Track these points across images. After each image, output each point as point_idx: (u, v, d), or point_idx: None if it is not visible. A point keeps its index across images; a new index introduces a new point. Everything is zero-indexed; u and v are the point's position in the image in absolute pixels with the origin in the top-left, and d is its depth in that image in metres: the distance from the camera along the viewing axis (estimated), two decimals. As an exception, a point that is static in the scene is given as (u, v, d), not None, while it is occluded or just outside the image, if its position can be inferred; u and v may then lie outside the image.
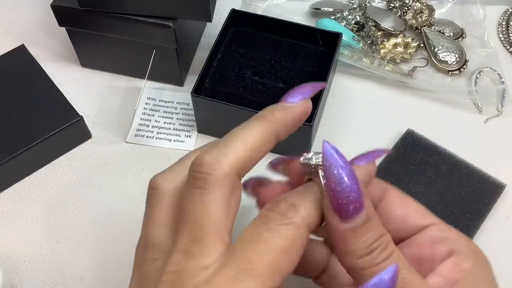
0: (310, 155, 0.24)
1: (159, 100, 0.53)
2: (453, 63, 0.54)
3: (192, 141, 0.50)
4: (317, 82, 0.28)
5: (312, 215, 0.24)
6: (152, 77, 0.53)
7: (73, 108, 0.48)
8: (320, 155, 0.24)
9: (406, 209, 0.28)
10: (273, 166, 0.27)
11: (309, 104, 0.27)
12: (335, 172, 0.22)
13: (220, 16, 0.60)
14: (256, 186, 0.29)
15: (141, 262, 0.26)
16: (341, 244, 0.23)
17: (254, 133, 0.25)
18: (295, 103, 0.26)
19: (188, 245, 0.23)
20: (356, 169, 0.25)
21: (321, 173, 0.23)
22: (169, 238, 0.25)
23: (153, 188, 0.27)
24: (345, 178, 0.22)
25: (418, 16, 0.58)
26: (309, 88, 0.27)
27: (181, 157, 0.28)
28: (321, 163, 0.23)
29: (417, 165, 0.47)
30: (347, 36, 0.54)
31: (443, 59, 0.55)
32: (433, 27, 0.58)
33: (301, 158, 0.24)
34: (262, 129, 0.25)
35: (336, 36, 0.50)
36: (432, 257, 0.26)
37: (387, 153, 0.28)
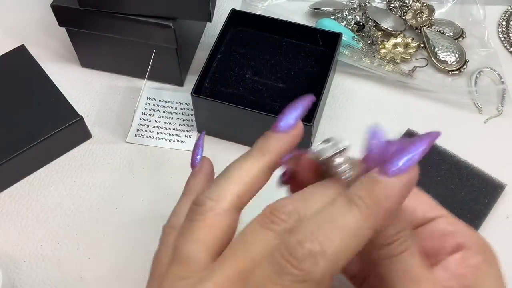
0: (320, 147, 0.25)
1: (159, 100, 0.53)
2: (453, 63, 0.54)
3: (192, 141, 0.50)
4: (305, 97, 0.27)
5: (338, 263, 0.20)
6: (152, 77, 0.53)
7: (73, 108, 0.48)
8: (330, 143, 0.24)
9: (414, 200, 0.27)
10: (283, 162, 0.27)
11: (301, 128, 0.27)
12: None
13: (220, 16, 0.59)
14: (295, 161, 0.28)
15: (162, 276, 0.24)
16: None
17: (253, 170, 0.25)
18: (288, 131, 0.26)
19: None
20: (390, 183, 0.24)
21: (338, 161, 0.24)
22: (205, 259, 0.24)
23: (198, 205, 0.26)
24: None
25: (418, 16, 0.58)
26: (299, 106, 0.27)
27: (222, 172, 0.27)
28: (336, 153, 0.24)
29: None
30: (347, 36, 0.54)
31: (443, 59, 0.55)
32: (433, 27, 0.57)
33: (311, 153, 0.25)
34: (259, 165, 0.26)
35: (336, 36, 0.50)
36: (439, 250, 0.26)
37: (437, 137, 0.25)
